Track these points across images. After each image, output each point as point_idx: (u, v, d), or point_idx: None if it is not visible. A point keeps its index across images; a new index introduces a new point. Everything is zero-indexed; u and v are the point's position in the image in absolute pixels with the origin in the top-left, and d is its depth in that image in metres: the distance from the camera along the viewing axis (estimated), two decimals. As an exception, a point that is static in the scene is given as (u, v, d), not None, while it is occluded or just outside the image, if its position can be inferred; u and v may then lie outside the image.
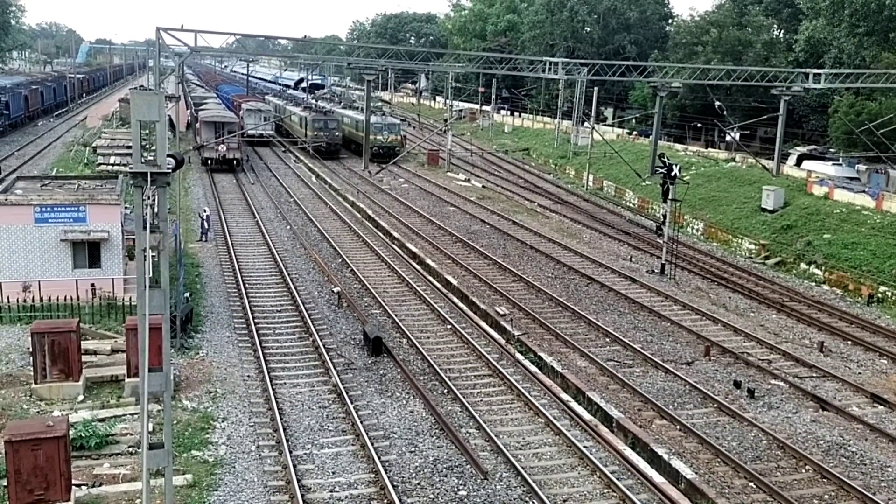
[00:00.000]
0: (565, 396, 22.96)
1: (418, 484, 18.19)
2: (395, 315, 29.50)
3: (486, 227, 45.26)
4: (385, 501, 17.40)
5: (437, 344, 27.15)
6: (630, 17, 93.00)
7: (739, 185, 50.57)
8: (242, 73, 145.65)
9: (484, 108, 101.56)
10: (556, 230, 45.82)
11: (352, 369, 24.72)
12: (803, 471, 19.61)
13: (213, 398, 22.12)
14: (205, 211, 41.53)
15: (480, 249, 39.59)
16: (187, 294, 28.70)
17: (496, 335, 27.88)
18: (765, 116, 60.21)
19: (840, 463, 20.07)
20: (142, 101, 12.37)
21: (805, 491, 18.62)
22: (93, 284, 27.83)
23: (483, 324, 29.08)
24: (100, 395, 21.94)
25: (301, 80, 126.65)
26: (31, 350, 21.68)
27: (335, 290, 31.99)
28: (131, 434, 19.55)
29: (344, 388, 22.84)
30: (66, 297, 27.30)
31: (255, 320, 28.37)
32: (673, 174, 36.70)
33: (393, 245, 40.79)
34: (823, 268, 38.21)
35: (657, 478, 18.47)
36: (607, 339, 28.14)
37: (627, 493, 17.74)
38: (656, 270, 37.40)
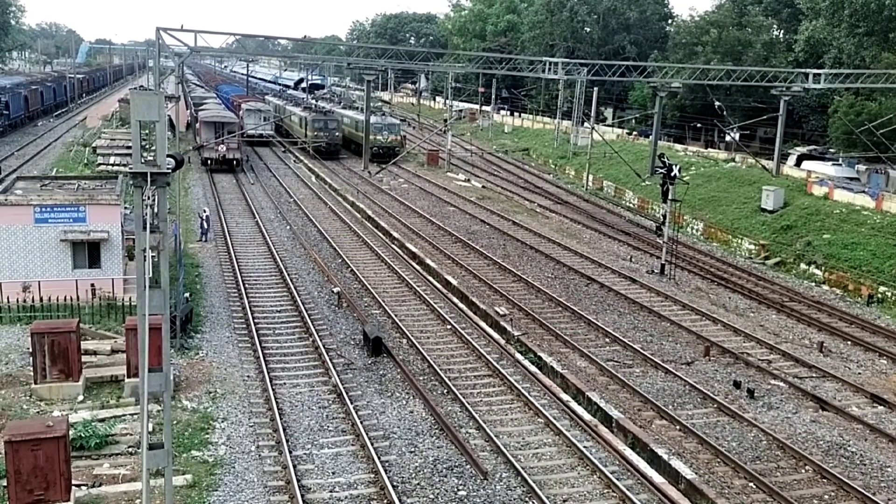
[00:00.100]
0: (565, 396, 22.96)
1: (418, 484, 18.19)
2: (395, 315, 29.50)
3: (485, 228, 45.26)
4: (385, 502, 17.40)
5: (436, 344, 27.15)
6: (630, 17, 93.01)
7: (739, 185, 50.58)
8: (242, 74, 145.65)
9: (484, 108, 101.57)
10: (556, 230, 45.83)
11: (352, 369, 24.72)
12: (803, 471, 19.62)
13: (213, 398, 22.12)
14: (204, 211, 41.53)
15: (480, 249, 39.59)
16: (187, 294, 28.70)
17: (496, 335, 27.88)
18: (765, 116, 60.21)
19: (840, 463, 20.07)
20: (142, 101, 12.37)
21: (805, 491, 18.62)
22: (93, 284, 27.83)
23: (483, 324, 29.08)
24: (100, 396, 21.94)
25: (301, 81, 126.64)
26: (30, 350, 21.68)
27: (335, 290, 31.99)
28: (131, 434, 19.55)
29: (344, 388, 22.84)
30: (65, 297, 27.30)
31: (255, 320, 28.37)
32: (673, 174, 36.71)
33: (393, 245, 40.80)
34: (823, 268, 38.22)
35: (657, 478, 18.47)
36: (607, 340, 28.14)
37: (627, 493, 17.74)
38: (656, 270, 37.41)
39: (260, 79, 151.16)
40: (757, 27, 74.15)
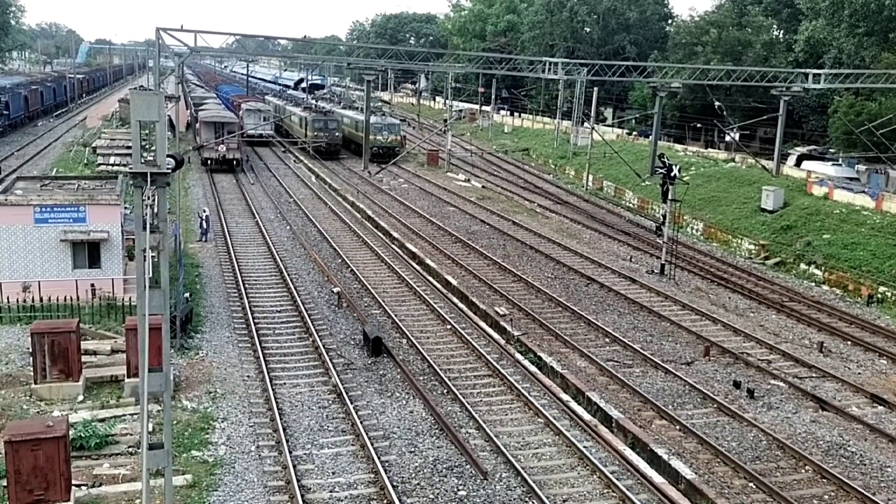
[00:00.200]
0: (565, 396, 22.96)
1: (418, 484, 18.19)
2: (395, 315, 29.51)
3: (485, 228, 45.26)
4: (385, 502, 17.40)
5: (436, 344, 27.15)
6: (630, 17, 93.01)
7: (739, 185, 50.58)
8: (242, 74, 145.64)
9: (484, 108, 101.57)
10: (556, 230, 45.83)
11: (352, 369, 24.72)
12: (803, 471, 19.62)
13: (213, 398, 22.12)
14: (204, 211, 41.54)
15: (480, 250, 39.60)
16: (187, 294, 28.71)
17: (496, 335, 27.88)
18: (764, 117, 60.22)
19: (840, 463, 20.07)
20: (141, 101, 12.37)
21: (805, 491, 18.63)
22: (93, 285, 27.83)
23: (483, 324, 29.08)
24: (100, 396, 21.94)
25: (301, 81, 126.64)
26: (30, 350, 21.68)
27: (335, 290, 31.99)
28: (131, 434, 19.55)
29: (344, 388, 22.85)
30: (65, 297, 27.30)
31: (255, 320, 28.37)
32: (672, 174, 36.71)
33: (393, 245, 40.80)
34: (823, 268, 38.22)
35: (657, 478, 18.48)
36: (607, 340, 28.14)
37: (627, 493, 17.75)
38: (656, 271, 37.41)
39: (260, 79, 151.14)
40: (757, 27, 74.17)
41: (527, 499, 17.72)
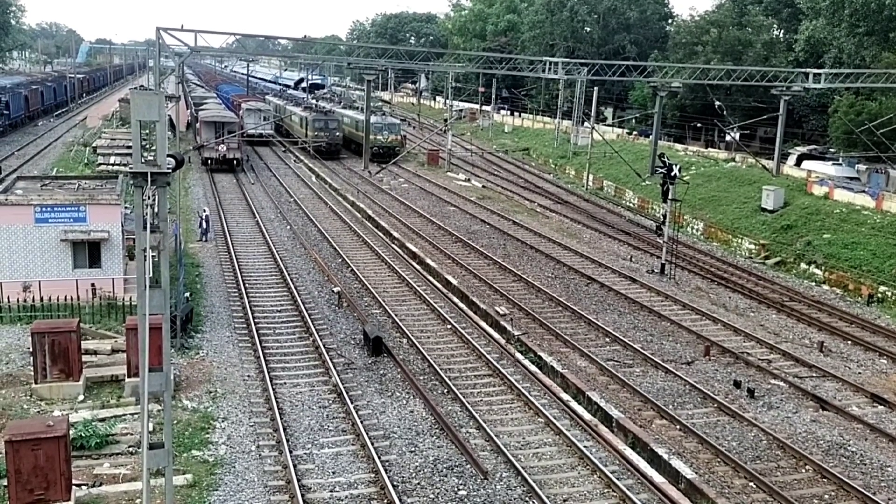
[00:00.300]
0: (565, 396, 22.96)
1: (418, 484, 18.19)
2: (395, 315, 29.51)
3: (486, 227, 45.27)
4: (385, 501, 17.40)
5: (437, 344, 27.16)
6: (630, 17, 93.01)
7: (739, 185, 50.57)
8: (242, 73, 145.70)
9: (484, 108, 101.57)
10: (556, 230, 45.83)
11: (352, 369, 24.73)
12: (803, 471, 19.62)
13: (214, 398, 22.13)
14: (204, 211, 41.55)
15: (480, 249, 39.60)
16: (187, 294, 28.70)
17: (496, 335, 27.89)
18: (765, 116, 60.22)
19: (840, 463, 20.07)
20: (142, 101, 12.37)
21: (805, 491, 18.63)
22: (93, 284, 27.84)
23: (483, 323, 29.08)
24: (100, 395, 21.95)
25: (301, 80, 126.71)
26: (31, 350, 21.69)
27: (335, 289, 32.00)
28: (131, 434, 19.56)
29: (344, 387, 22.85)
30: (66, 297, 27.31)
31: (256, 320, 28.38)
32: (673, 174, 36.71)
33: (393, 245, 40.80)
34: (823, 268, 38.21)
35: (657, 477, 18.48)
36: (607, 339, 28.14)
37: (627, 492, 17.75)
38: (656, 270, 37.41)
39: (260, 79, 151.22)
40: (757, 27, 74.16)
41: (527, 498, 17.72)
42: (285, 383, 23.42)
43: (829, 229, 40.78)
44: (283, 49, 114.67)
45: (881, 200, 41.83)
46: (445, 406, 22.26)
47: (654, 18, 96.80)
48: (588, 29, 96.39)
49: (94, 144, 60.47)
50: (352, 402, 21.90)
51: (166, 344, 13.46)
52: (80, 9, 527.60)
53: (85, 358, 22.84)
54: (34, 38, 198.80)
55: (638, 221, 50.13)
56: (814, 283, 37.50)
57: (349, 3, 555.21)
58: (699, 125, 76.21)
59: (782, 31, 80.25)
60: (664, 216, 38.21)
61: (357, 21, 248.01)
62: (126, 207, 32.89)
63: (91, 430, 19.00)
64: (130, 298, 26.58)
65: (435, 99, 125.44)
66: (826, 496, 18.50)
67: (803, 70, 57.28)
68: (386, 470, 18.36)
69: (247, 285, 32.48)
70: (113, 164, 51.90)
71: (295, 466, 18.37)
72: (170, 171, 12.98)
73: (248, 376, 23.85)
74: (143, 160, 12.60)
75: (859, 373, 26.35)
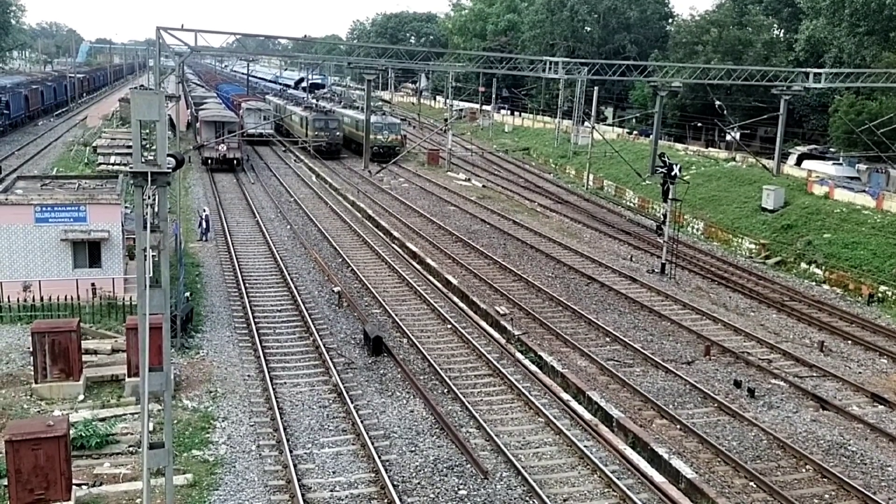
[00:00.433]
0: (565, 396, 22.96)
1: (418, 483, 18.19)
2: (396, 314, 29.50)
3: (486, 227, 45.26)
4: (385, 501, 17.40)
5: (437, 343, 27.15)
6: (630, 16, 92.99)
7: (740, 184, 50.56)
8: (242, 73, 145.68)
9: (484, 107, 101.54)
10: (557, 230, 45.83)
11: (352, 369, 24.73)
12: (803, 470, 19.62)
13: (214, 398, 22.13)
14: (204, 210, 41.55)
15: (480, 249, 39.60)
16: (187, 294, 28.70)
17: (496, 335, 27.88)
18: (765, 116, 60.20)
19: (840, 462, 20.07)
20: (142, 100, 12.37)
21: (805, 490, 18.62)
22: (93, 284, 27.85)
23: (483, 323, 29.08)
24: (100, 395, 21.95)
25: (301, 80, 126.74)
26: (31, 350, 21.68)
27: (335, 289, 32.00)
28: (132, 433, 19.56)
29: (344, 387, 22.85)
30: (66, 296, 27.32)
31: (256, 320, 28.38)
32: (673, 174, 36.70)
33: (393, 245, 40.80)
34: (823, 267, 38.21)
35: (657, 477, 18.47)
36: (607, 339, 28.14)
37: (627, 492, 17.74)
38: (656, 270, 37.40)
39: (260, 78, 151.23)
40: (757, 26, 74.13)
41: (527, 498, 17.72)
42: (285, 383, 23.42)
43: (829, 229, 40.77)
44: (283, 49, 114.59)
45: (881, 200, 41.82)
46: (445, 406, 22.26)
47: (654, 18, 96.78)
48: (588, 29, 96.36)
49: (94, 144, 60.49)
50: (352, 402, 21.90)
51: (166, 344, 13.46)
52: (80, 9, 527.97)
53: (85, 358, 22.85)
54: (34, 38, 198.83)
55: (638, 221, 50.12)
56: (814, 283, 37.50)
57: (349, 3, 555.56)
58: (699, 125, 76.19)
59: (782, 30, 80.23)
60: (664, 216, 38.21)
61: (357, 21, 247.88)
62: (126, 207, 32.89)
63: (91, 430, 19.00)
64: (130, 298, 26.58)
65: (435, 99, 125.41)
66: (826, 496, 18.50)
67: (803, 70, 57.28)
68: (386, 469, 18.36)
69: (247, 285, 32.48)
70: (113, 164, 51.93)
71: (295, 466, 18.36)
72: (170, 170, 12.98)
73: (249, 376, 23.85)
74: (143, 160, 12.60)
75: (859, 372, 26.35)
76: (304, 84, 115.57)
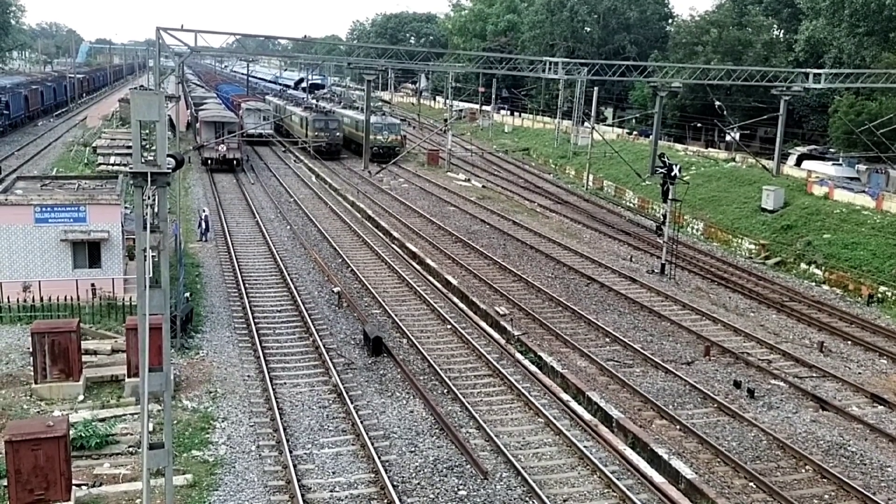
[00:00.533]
0: (565, 396, 22.96)
1: (418, 484, 18.19)
2: (395, 315, 29.50)
3: (486, 227, 45.27)
4: (385, 501, 17.40)
5: (437, 344, 27.15)
6: (630, 17, 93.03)
7: (739, 185, 50.57)
8: (242, 73, 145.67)
9: (484, 108, 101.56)
10: (556, 230, 45.83)
11: (352, 369, 24.73)
12: (803, 471, 19.62)
13: (214, 398, 22.13)
14: (204, 211, 41.55)
15: (480, 249, 39.60)
16: (187, 294, 28.70)
17: (496, 335, 27.88)
18: (765, 116, 60.20)
19: (840, 463, 20.07)
20: (142, 101, 12.37)
21: (805, 491, 18.63)
22: (93, 284, 27.84)
23: (483, 324, 29.08)
24: (100, 395, 21.95)
25: (301, 80, 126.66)
26: (31, 350, 21.69)
27: (335, 289, 32.00)
28: (131, 434, 19.56)
29: (344, 387, 22.85)
30: (66, 297, 27.30)
31: (256, 320, 28.38)
32: (673, 174, 36.71)
33: (393, 245, 40.80)
34: (823, 268, 38.21)
35: (657, 478, 18.48)
36: (607, 339, 28.14)
37: (627, 492, 17.74)
38: (656, 270, 37.41)
39: (260, 78, 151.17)
40: (757, 27, 74.15)
41: (527, 498, 17.72)
42: (285, 383, 23.42)
43: (829, 229, 40.78)
44: (283, 49, 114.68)
45: (881, 200, 41.83)
46: (445, 406, 22.26)
47: (654, 18, 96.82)
48: (588, 29, 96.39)
49: (94, 144, 60.46)
50: (352, 402, 21.90)
51: (166, 344, 13.46)
52: (80, 9, 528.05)
53: (85, 358, 22.85)
54: (34, 38, 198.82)
55: (638, 221, 50.13)
56: (814, 284, 37.50)
57: (349, 3, 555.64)
58: (699, 125, 76.21)
59: (782, 31, 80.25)
60: (664, 216, 38.21)
61: (357, 21, 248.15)
62: (126, 207, 32.89)
63: (91, 430, 19.00)
64: (130, 298, 26.57)
65: (435, 99, 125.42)
66: (826, 496, 18.51)
67: (803, 70, 57.28)
68: (386, 470, 18.36)
69: (247, 285, 32.48)
70: (113, 164, 51.91)
71: (295, 466, 18.36)
72: (170, 171, 12.98)
73: (248, 376, 23.85)
74: (143, 160, 12.60)
75: (859, 373, 26.35)
76: (303, 84, 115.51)
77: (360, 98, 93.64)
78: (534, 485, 17.93)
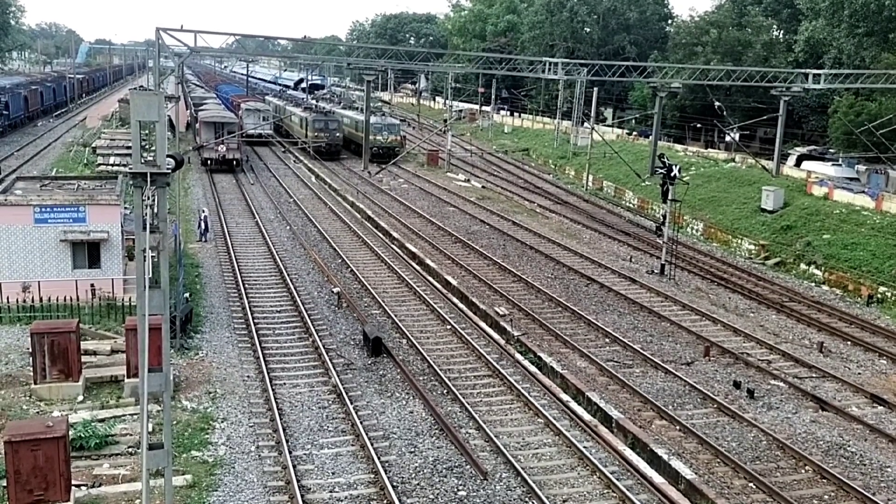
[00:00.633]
0: (565, 397, 22.96)
1: (418, 484, 18.18)
2: (395, 315, 29.50)
3: (485, 228, 45.26)
4: (385, 502, 17.39)
5: (436, 344, 27.15)
6: (630, 17, 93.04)
7: (739, 185, 50.58)
8: (242, 74, 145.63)
9: (484, 108, 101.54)
10: (556, 230, 45.82)
11: (351, 369, 24.72)
12: (803, 471, 19.62)
13: (213, 398, 22.12)
14: (203, 211, 41.54)
15: (480, 250, 39.59)
16: (187, 294, 28.69)
17: (496, 335, 27.88)
18: (764, 117, 60.19)
19: (840, 463, 20.07)
20: (141, 101, 12.36)
21: (805, 491, 18.63)
22: (92, 285, 27.82)
23: (483, 324, 29.07)
24: (99, 396, 21.93)
25: (301, 81, 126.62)
26: (30, 350, 21.68)
27: (335, 290, 31.99)
28: (131, 434, 19.55)
29: (344, 388, 22.84)
30: (65, 297, 27.29)
31: (255, 321, 28.37)
32: (673, 174, 36.71)
33: (392, 245, 40.79)
34: (823, 268, 38.22)
35: (657, 478, 18.47)
36: (607, 340, 28.13)
37: (627, 493, 17.74)
38: (656, 271, 37.41)
39: (260, 79, 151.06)
40: (757, 27, 74.16)
41: (527, 499, 17.71)
42: (285, 384, 23.41)
43: (828, 230, 40.79)
44: (282, 49, 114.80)
45: (881, 201, 41.84)
46: (445, 406, 22.25)
47: (653, 19, 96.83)
48: (588, 29, 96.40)
49: (93, 145, 60.43)
50: (351, 403, 21.89)
51: (166, 344, 13.45)
52: (79, 9, 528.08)
53: (84, 358, 22.84)
54: (34, 39, 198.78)
55: (638, 222, 50.13)
56: (813, 284, 37.50)
57: (349, 3, 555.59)
58: (699, 125, 76.21)
59: (782, 31, 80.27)
60: (664, 216, 38.21)
61: (357, 21, 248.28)
62: (126, 208, 32.89)
63: (90, 431, 18.99)
64: (130, 299, 26.56)
65: (435, 99, 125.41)
66: (826, 496, 18.50)
67: (803, 70, 57.28)
68: (385, 470, 18.35)
69: (246, 286, 32.47)
70: (112, 165, 51.87)
71: (294, 467, 18.36)
72: (169, 171, 12.97)
73: (248, 377, 23.84)
74: (142, 160, 12.59)
75: (859, 373, 26.35)
76: (303, 85, 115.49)
77: (359, 98, 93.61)
78: (533, 485, 17.92)
